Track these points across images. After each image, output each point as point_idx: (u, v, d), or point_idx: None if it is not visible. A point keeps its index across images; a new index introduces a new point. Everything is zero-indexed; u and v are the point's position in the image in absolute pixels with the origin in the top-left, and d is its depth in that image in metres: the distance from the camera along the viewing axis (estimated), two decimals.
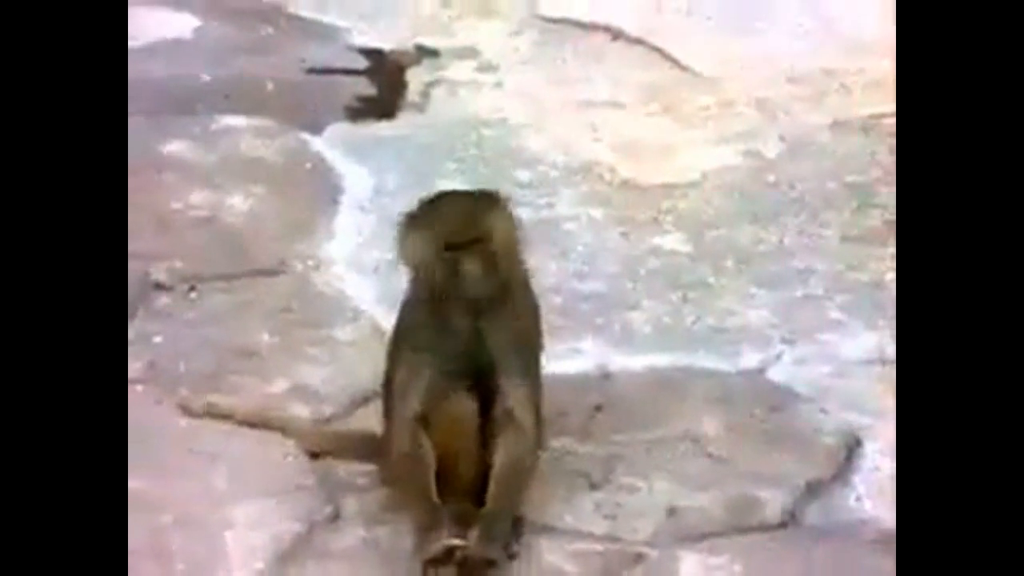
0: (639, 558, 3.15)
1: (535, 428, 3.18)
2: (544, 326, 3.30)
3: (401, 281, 3.29)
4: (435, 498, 3.13)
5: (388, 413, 3.23)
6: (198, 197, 4.22)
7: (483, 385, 3.15)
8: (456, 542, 3.06)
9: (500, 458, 3.14)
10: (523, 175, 4.38)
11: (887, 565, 3.14)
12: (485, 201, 3.16)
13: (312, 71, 4.93)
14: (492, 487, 3.13)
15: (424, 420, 3.15)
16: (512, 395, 3.15)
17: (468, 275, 3.06)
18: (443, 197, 3.24)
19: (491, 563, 3.06)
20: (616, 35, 5.07)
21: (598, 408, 3.53)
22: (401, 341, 3.22)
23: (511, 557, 3.10)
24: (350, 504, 3.26)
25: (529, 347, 3.20)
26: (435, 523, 3.10)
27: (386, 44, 5.05)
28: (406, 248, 3.15)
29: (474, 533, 3.09)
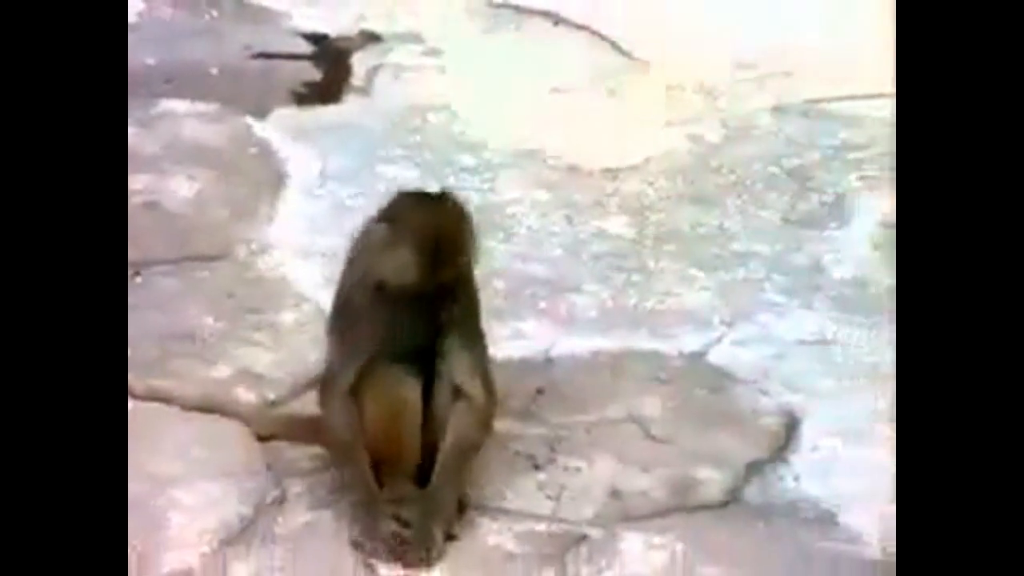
0: (582, 538, 3.18)
1: (485, 399, 3.18)
2: (488, 309, 3.32)
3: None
4: (371, 480, 3.14)
5: (323, 389, 3.24)
6: (141, 182, 4.22)
7: (425, 364, 3.17)
8: (396, 528, 3.09)
9: (450, 437, 3.16)
10: (467, 159, 4.40)
11: (825, 543, 3.20)
12: (464, 228, 3.14)
13: (257, 56, 4.93)
14: (439, 467, 3.15)
15: (361, 400, 3.17)
16: (458, 367, 3.16)
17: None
18: (439, 221, 3.13)
19: (429, 549, 3.08)
20: (559, 20, 5.10)
21: (540, 390, 3.56)
22: (338, 320, 3.24)
23: (452, 538, 3.13)
24: (296, 486, 3.28)
25: (472, 317, 3.21)
26: (372, 508, 3.11)
27: (330, 29, 5.06)
28: (387, 255, 3.12)
29: (415, 517, 3.11)
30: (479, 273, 3.28)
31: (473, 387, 3.17)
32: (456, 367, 3.17)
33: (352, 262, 3.25)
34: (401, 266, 3.09)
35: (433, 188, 3.27)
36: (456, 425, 3.16)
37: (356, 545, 3.11)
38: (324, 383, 3.23)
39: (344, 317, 3.23)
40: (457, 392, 3.17)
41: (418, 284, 3.09)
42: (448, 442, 3.16)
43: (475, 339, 3.21)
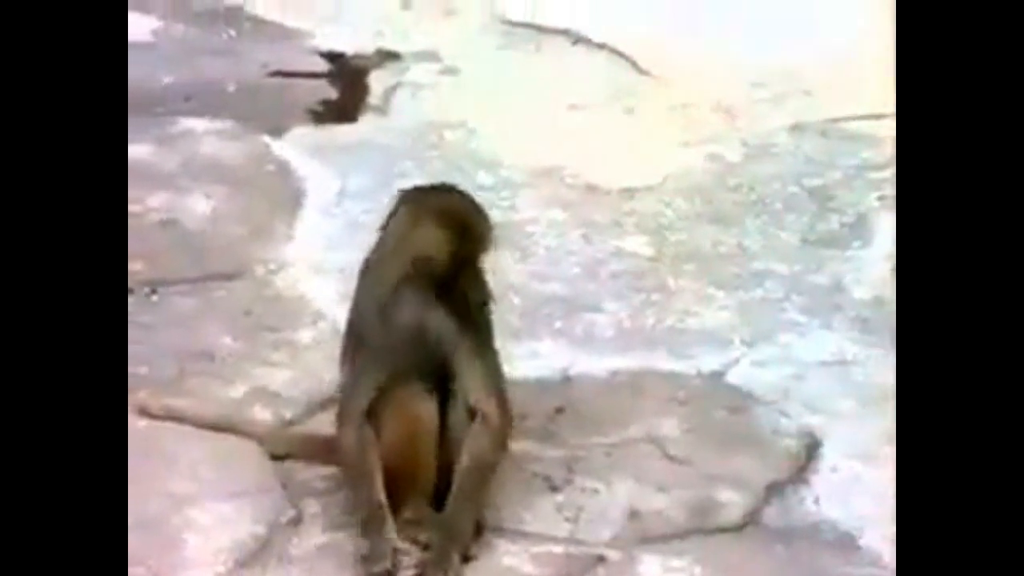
0: (600, 560, 3.16)
1: (501, 418, 3.17)
2: (505, 328, 3.31)
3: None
4: (380, 499, 3.11)
5: (339, 413, 3.24)
6: (159, 200, 4.22)
7: (440, 382, 3.16)
8: (401, 545, 3.07)
9: (466, 458, 3.14)
10: (485, 178, 4.39)
11: (845, 566, 3.17)
12: (485, 218, 3.19)
13: (274, 74, 4.93)
14: (456, 489, 3.13)
15: (377, 420, 3.15)
16: (472, 385, 3.15)
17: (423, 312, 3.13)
18: (455, 200, 3.22)
19: (446, 571, 3.06)
20: (577, 39, 5.09)
21: (559, 410, 3.54)
22: (352, 340, 3.23)
23: (469, 559, 3.11)
24: (311, 507, 3.26)
25: (486, 336, 3.20)
26: (378, 530, 3.08)
27: (348, 47, 5.06)
28: (420, 233, 3.15)
29: (433, 539, 3.09)
30: (494, 289, 3.27)
31: (488, 406, 3.16)
32: (471, 386, 3.16)
33: (362, 281, 3.24)
34: (431, 241, 3.11)
35: None
36: (472, 446, 3.14)
37: (361, 562, 3.08)
38: (340, 407, 3.22)
39: (356, 338, 3.22)
40: (472, 412, 3.16)
41: (449, 259, 3.10)
42: (464, 463, 3.14)
43: (489, 358, 3.20)
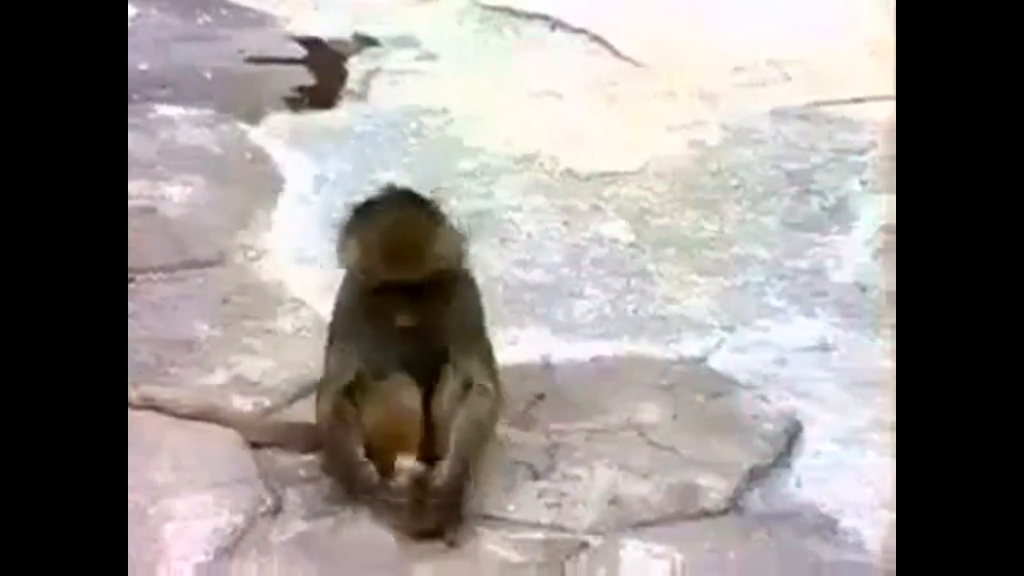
0: (582, 546, 3.16)
1: (498, 394, 3.19)
2: (488, 315, 3.30)
3: (342, 273, 3.27)
4: (359, 454, 3.12)
5: (318, 389, 3.24)
6: (136, 187, 4.19)
7: (426, 373, 3.15)
8: (409, 465, 3.09)
9: (463, 417, 3.14)
10: (465, 164, 4.38)
11: (827, 550, 3.17)
12: (429, 228, 3.09)
13: (251, 60, 4.90)
14: (452, 444, 3.12)
15: (361, 406, 3.15)
16: (466, 365, 3.16)
17: (399, 309, 3.09)
18: (389, 215, 3.12)
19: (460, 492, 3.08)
20: (556, 24, 5.08)
21: (540, 397, 3.53)
22: (334, 329, 3.22)
23: (452, 545, 3.10)
24: (291, 495, 3.25)
25: (475, 322, 3.21)
26: (360, 475, 3.10)
27: (325, 33, 5.04)
28: (347, 254, 3.14)
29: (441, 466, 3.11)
30: (478, 278, 3.26)
31: (484, 380, 3.18)
32: (463, 365, 3.17)
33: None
34: (355, 260, 3.10)
35: (427, 193, 3.25)
36: (470, 407, 3.15)
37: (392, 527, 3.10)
38: (319, 385, 3.22)
39: (341, 324, 3.20)
40: (469, 384, 3.16)
41: (378, 282, 3.06)
42: (461, 420, 3.13)
43: (483, 345, 3.22)
